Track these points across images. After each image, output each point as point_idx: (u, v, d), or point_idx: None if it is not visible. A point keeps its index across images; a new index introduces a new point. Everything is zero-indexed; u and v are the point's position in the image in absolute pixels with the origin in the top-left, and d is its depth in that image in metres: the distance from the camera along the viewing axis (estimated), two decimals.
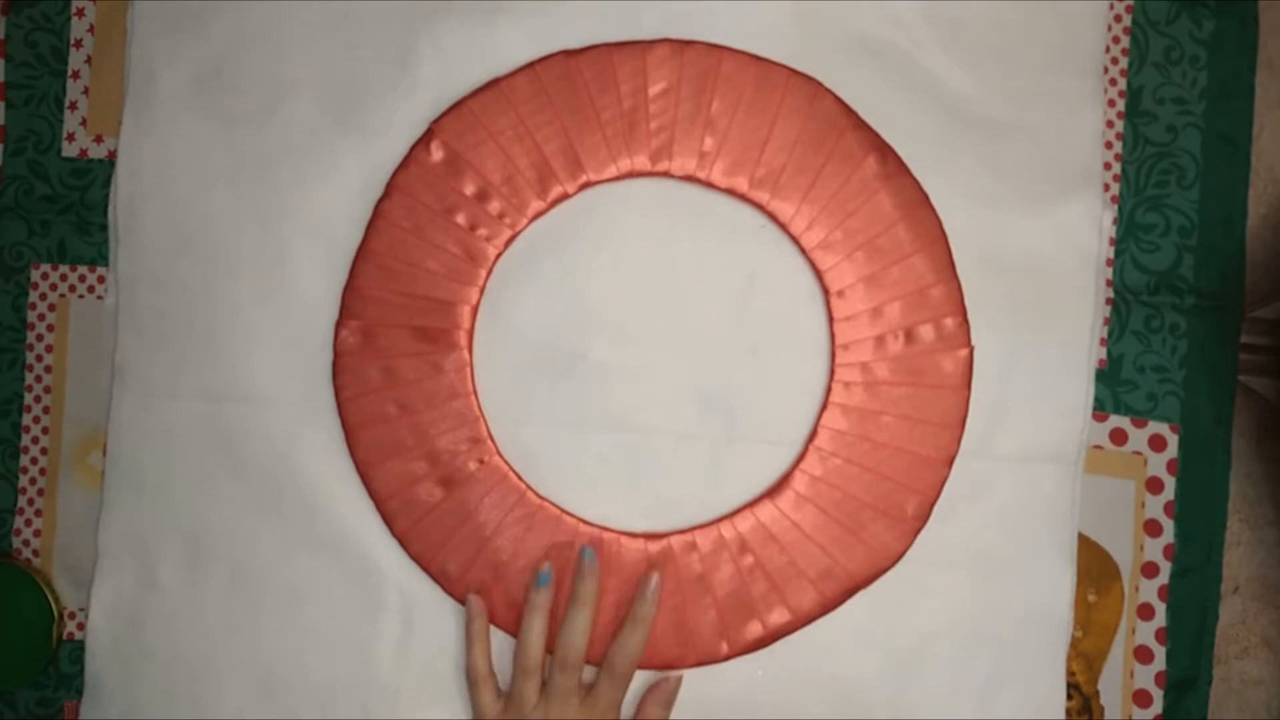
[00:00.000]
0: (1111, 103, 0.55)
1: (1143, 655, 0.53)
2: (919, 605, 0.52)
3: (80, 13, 0.56)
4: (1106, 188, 0.54)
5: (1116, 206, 0.55)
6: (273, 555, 0.52)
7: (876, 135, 0.53)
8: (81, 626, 0.55)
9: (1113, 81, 0.55)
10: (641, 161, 0.53)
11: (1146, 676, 0.53)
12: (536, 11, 0.53)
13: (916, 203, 0.52)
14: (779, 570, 0.52)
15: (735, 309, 0.53)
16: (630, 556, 0.52)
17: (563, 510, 0.52)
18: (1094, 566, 0.54)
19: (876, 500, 0.52)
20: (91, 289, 0.55)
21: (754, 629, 0.51)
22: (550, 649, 0.51)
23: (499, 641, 0.52)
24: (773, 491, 0.52)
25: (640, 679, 0.51)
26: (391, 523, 0.52)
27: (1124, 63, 0.55)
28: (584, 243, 0.53)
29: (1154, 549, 0.54)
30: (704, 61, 0.53)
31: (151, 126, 0.54)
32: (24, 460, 0.55)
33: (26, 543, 0.55)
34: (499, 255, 0.53)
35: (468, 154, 0.53)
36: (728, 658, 0.51)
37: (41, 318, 0.56)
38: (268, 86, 0.54)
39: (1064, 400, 0.53)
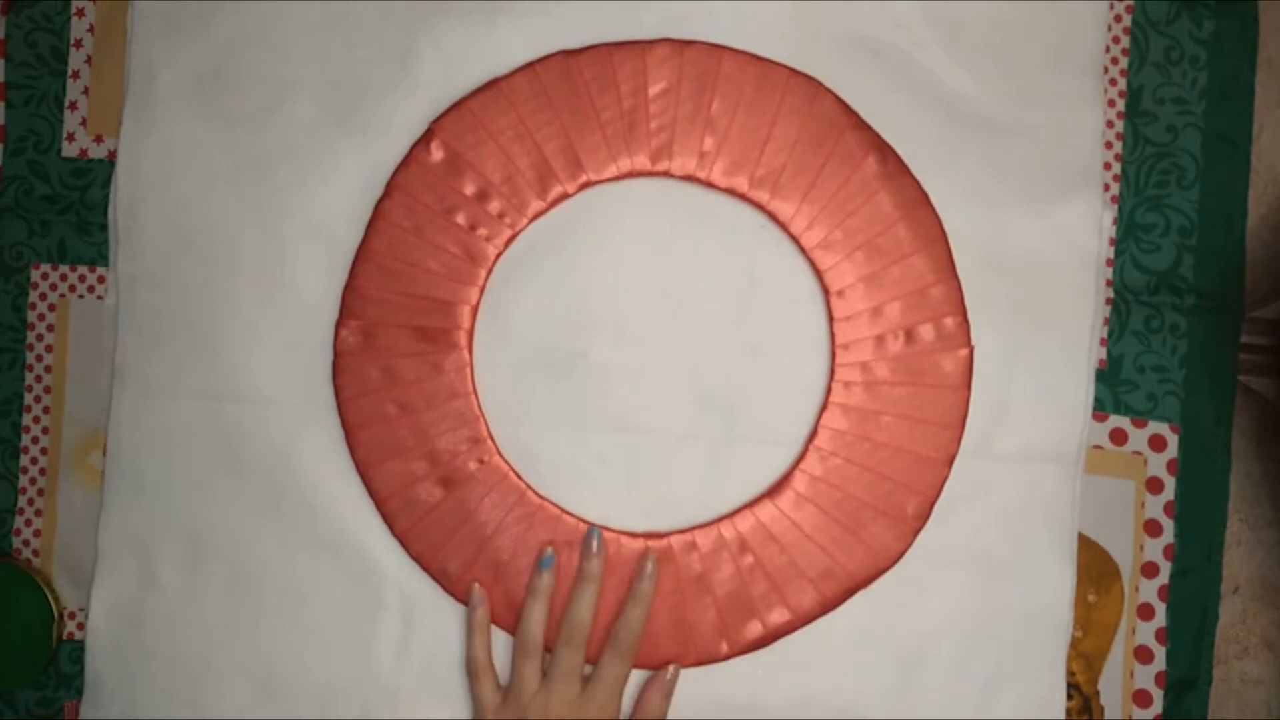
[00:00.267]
0: (1111, 103, 0.55)
1: (1143, 655, 0.53)
2: (919, 605, 0.52)
3: (80, 13, 0.56)
4: (1106, 188, 0.54)
5: (1116, 206, 0.55)
6: (273, 555, 0.52)
7: (876, 135, 0.53)
8: (81, 626, 0.55)
9: (1113, 81, 0.55)
10: (641, 161, 0.53)
11: (1146, 676, 0.53)
12: (536, 11, 0.53)
13: (916, 203, 0.52)
14: (779, 570, 0.52)
15: (735, 309, 0.53)
16: (630, 556, 0.52)
17: (563, 510, 0.52)
18: (1094, 566, 0.54)
19: (876, 500, 0.52)
20: (91, 289, 0.55)
21: (754, 629, 0.51)
22: (549, 641, 0.51)
23: (499, 641, 0.52)
24: (773, 491, 0.52)
25: (640, 679, 0.51)
26: (391, 523, 0.52)
27: (1124, 63, 0.55)
28: (584, 243, 0.53)
29: (1154, 549, 0.54)
30: (704, 61, 0.53)
31: (151, 126, 0.54)
32: (24, 460, 0.55)
33: (26, 543, 0.55)
34: (499, 255, 0.53)
35: (468, 154, 0.53)
36: (728, 657, 0.51)
37: (41, 318, 0.56)
38: (268, 86, 0.54)
39: (1064, 400, 0.53)
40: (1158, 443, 0.54)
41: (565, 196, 0.53)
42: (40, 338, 0.56)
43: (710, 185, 0.53)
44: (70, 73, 0.56)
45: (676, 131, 0.53)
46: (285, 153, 0.53)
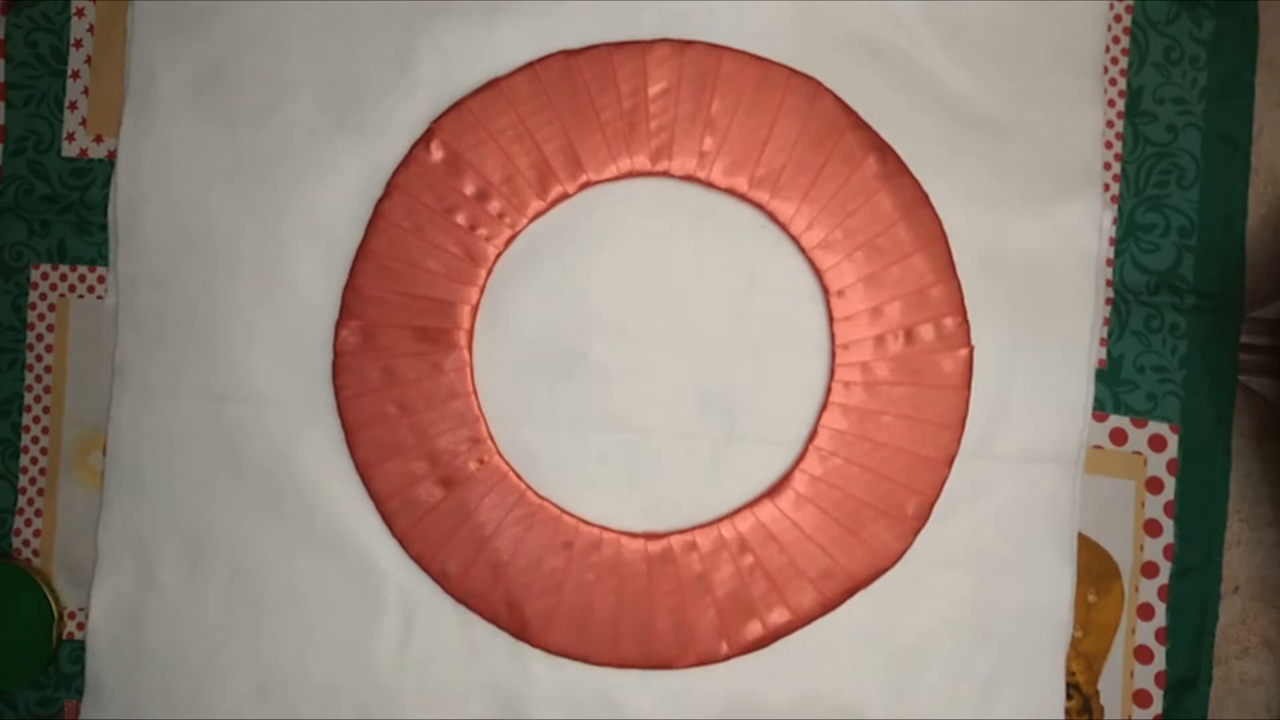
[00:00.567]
0: (1111, 103, 0.55)
1: (1143, 655, 0.53)
2: (919, 605, 0.52)
3: (80, 13, 0.56)
4: (1106, 188, 0.54)
5: (1116, 206, 0.55)
6: (273, 555, 0.52)
7: (876, 135, 0.53)
8: (81, 626, 0.55)
9: (1113, 81, 0.55)
10: (641, 161, 0.53)
11: (1146, 676, 0.53)
12: (536, 11, 0.53)
13: (916, 203, 0.52)
14: (779, 570, 0.52)
15: (735, 309, 0.53)
16: (630, 556, 0.52)
17: (563, 510, 0.52)
18: (1094, 566, 0.54)
19: (876, 500, 0.52)
20: (91, 289, 0.55)
21: (754, 629, 0.51)
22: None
23: (500, 640, 0.52)
24: (773, 491, 0.52)
25: (640, 679, 0.52)
26: (391, 523, 0.52)
27: (1124, 63, 0.55)
28: (584, 243, 0.53)
29: (1154, 549, 0.54)
30: (704, 61, 0.53)
31: (151, 126, 0.54)
32: (24, 460, 0.55)
33: (26, 543, 0.55)
34: (499, 255, 0.53)
35: (468, 154, 0.53)
36: (728, 657, 0.51)
37: (41, 318, 0.56)
38: (268, 86, 0.54)
39: (1064, 400, 0.53)
40: (1158, 443, 0.54)
41: (565, 196, 0.53)
42: (40, 338, 0.56)
43: (710, 185, 0.53)
44: (70, 73, 0.56)
45: (676, 131, 0.53)
46: (285, 153, 0.53)
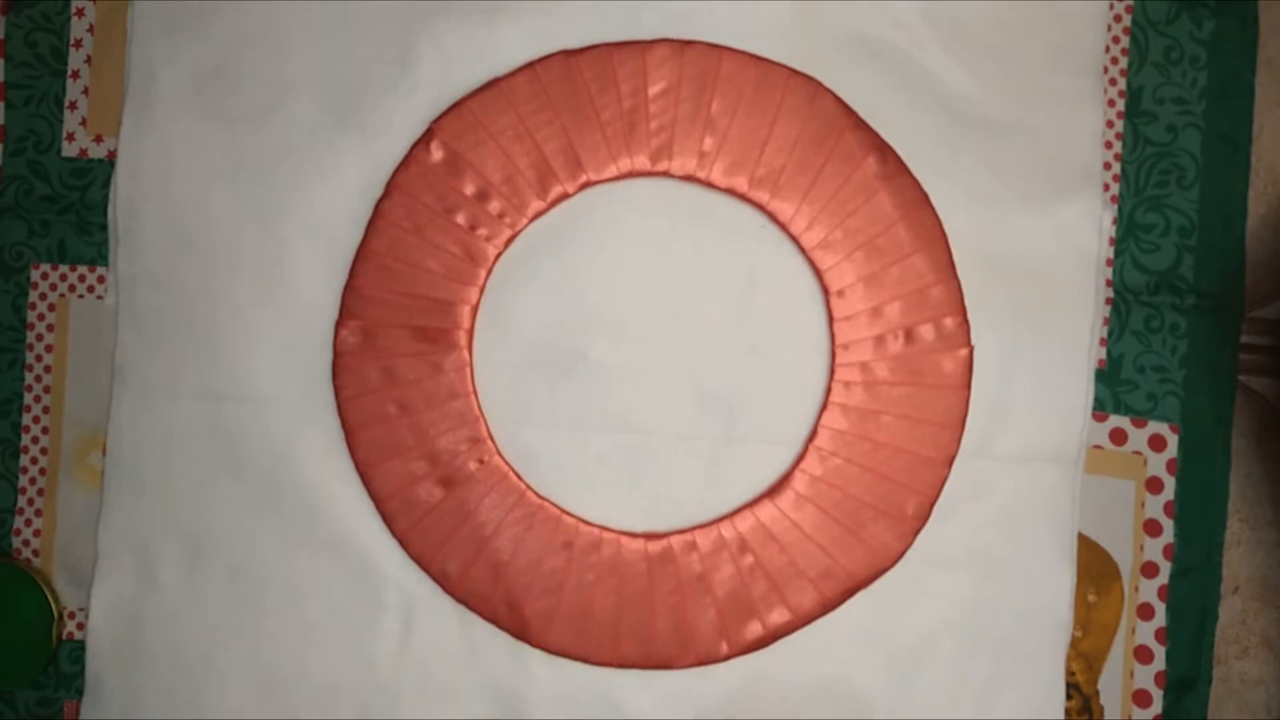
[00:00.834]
0: (1111, 103, 0.55)
1: (1142, 655, 0.53)
2: (919, 605, 0.52)
3: (80, 13, 0.56)
4: (1106, 188, 0.54)
5: (1116, 206, 0.55)
6: (273, 555, 0.52)
7: (876, 135, 0.53)
8: (81, 626, 0.55)
9: (1113, 81, 0.55)
10: (641, 161, 0.53)
11: (1146, 676, 0.53)
12: (536, 11, 0.53)
13: (916, 203, 0.52)
14: (779, 570, 0.52)
15: (735, 309, 0.53)
16: (630, 556, 0.52)
17: (563, 510, 0.52)
18: (1094, 566, 0.54)
19: (876, 500, 0.52)
20: (91, 289, 0.55)
21: (754, 629, 0.51)
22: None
23: (500, 640, 0.52)
24: (773, 491, 0.52)
25: (640, 679, 0.52)
26: (391, 523, 0.52)
27: (1124, 63, 0.55)
28: (584, 243, 0.53)
29: (1154, 549, 0.54)
30: (704, 61, 0.53)
31: (151, 126, 0.54)
32: (24, 460, 0.55)
33: (26, 543, 0.55)
34: (499, 255, 0.53)
35: (468, 154, 0.53)
36: (728, 658, 0.51)
37: (41, 318, 0.56)
38: (268, 86, 0.54)
39: (1064, 400, 0.53)
40: (1158, 443, 0.54)
41: (565, 196, 0.53)
42: (40, 338, 0.56)
43: (710, 185, 0.53)
44: (70, 73, 0.56)
45: (676, 131, 0.53)
46: (285, 153, 0.53)
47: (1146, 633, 0.53)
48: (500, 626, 0.52)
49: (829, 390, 0.52)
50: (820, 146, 0.53)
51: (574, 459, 0.52)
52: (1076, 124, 0.54)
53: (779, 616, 0.51)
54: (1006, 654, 0.52)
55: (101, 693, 0.53)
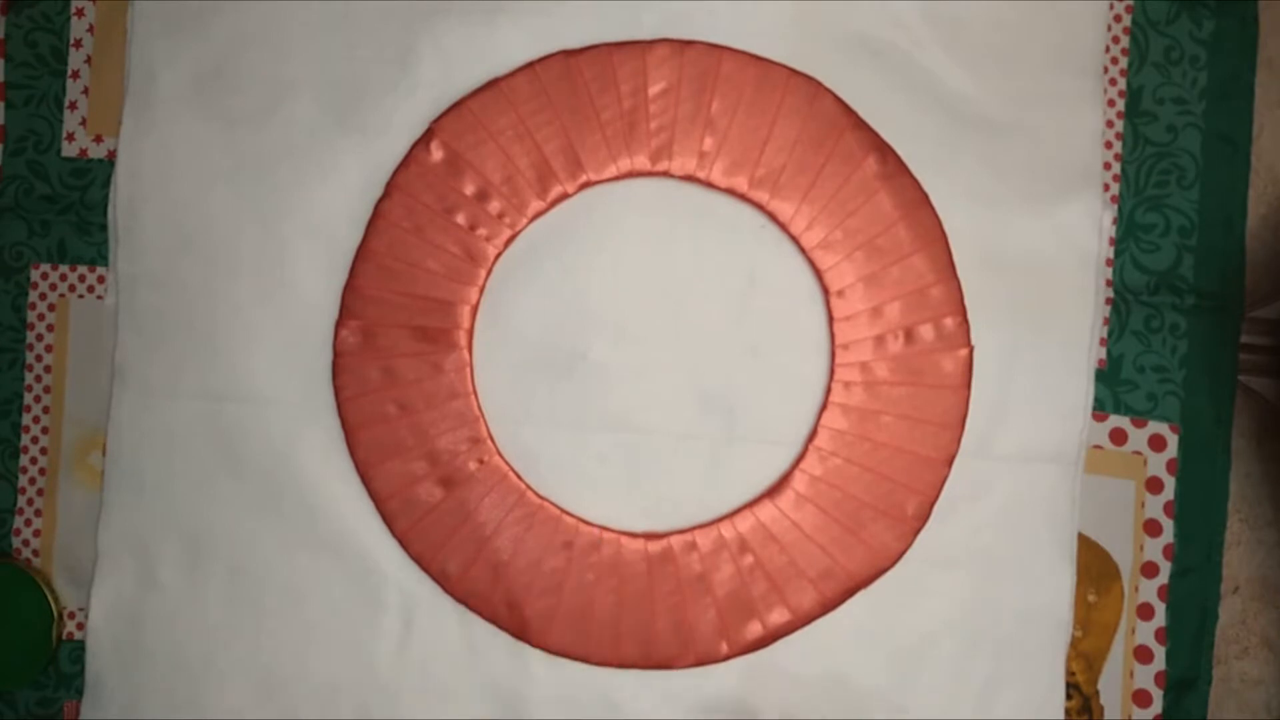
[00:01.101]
0: (1111, 103, 0.55)
1: (1142, 655, 0.53)
2: (919, 605, 0.52)
3: (80, 13, 0.56)
4: (1106, 188, 0.54)
5: (1116, 206, 0.55)
6: (273, 555, 0.52)
7: (876, 135, 0.53)
8: (81, 626, 0.55)
9: (1113, 81, 0.55)
10: (641, 161, 0.53)
11: (1146, 676, 0.53)
12: (536, 11, 0.53)
13: (916, 203, 0.52)
14: (779, 570, 0.52)
15: (735, 309, 0.53)
16: (630, 556, 0.52)
17: (563, 510, 0.52)
18: (1094, 566, 0.54)
19: (876, 500, 0.52)
20: (91, 289, 0.55)
21: (754, 629, 0.51)
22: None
23: (500, 640, 0.52)
24: (773, 491, 0.52)
25: (640, 679, 0.52)
26: (391, 523, 0.52)
27: (1124, 63, 0.55)
28: (584, 243, 0.53)
29: (1154, 549, 0.54)
30: (704, 61, 0.53)
31: (151, 126, 0.54)
32: (24, 460, 0.55)
33: (26, 543, 0.55)
34: (499, 255, 0.53)
35: (468, 154, 0.53)
36: (728, 658, 0.51)
37: (41, 318, 0.56)
38: (268, 86, 0.54)
39: (1064, 400, 0.53)
40: (1158, 443, 0.54)
41: (565, 196, 0.53)
42: (40, 338, 0.56)
43: (710, 185, 0.53)
44: (70, 73, 0.56)
45: (676, 131, 0.53)
46: (285, 153, 0.53)
47: (1146, 633, 0.53)
48: (500, 626, 0.52)
49: (829, 390, 0.52)
50: (820, 146, 0.53)
51: (574, 459, 0.52)
52: (1076, 124, 0.54)
53: (779, 616, 0.51)
54: (1006, 654, 0.52)
55: (101, 693, 0.53)
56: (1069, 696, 0.53)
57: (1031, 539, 0.52)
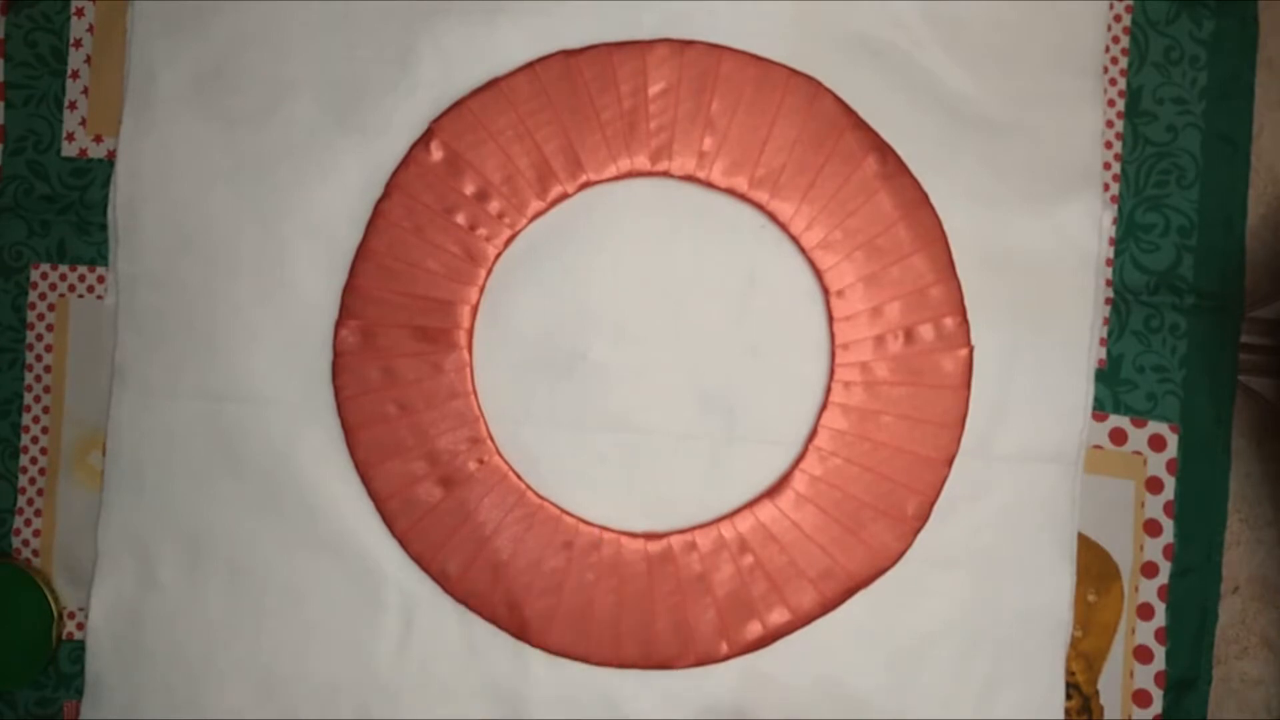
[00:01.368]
0: (1111, 103, 0.55)
1: (1142, 655, 0.53)
2: (919, 605, 0.52)
3: (80, 12, 0.56)
4: (1106, 188, 0.54)
5: (1116, 206, 0.55)
6: (273, 555, 0.52)
7: (876, 135, 0.53)
8: (81, 626, 0.55)
9: (1113, 81, 0.55)
10: (641, 161, 0.53)
11: (1146, 676, 0.53)
12: (536, 11, 0.53)
13: (916, 203, 0.52)
14: (779, 570, 0.52)
15: (735, 309, 0.53)
16: (630, 556, 0.52)
17: (563, 510, 0.52)
18: (1094, 566, 0.54)
19: (876, 500, 0.52)
20: (91, 289, 0.55)
21: (754, 629, 0.51)
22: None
23: (500, 640, 0.52)
24: (773, 491, 0.52)
25: (640, 679, 0.52)
26: (391, 523, 0.52)
27: (1124, 63, 0.55)
28: (584, 243, 0.53)
29: (1154, 549, 0.54)
30: (704, 61, 0.53)
31: (151, 126, 0.54)
32: (24, 460, 0.55)
33: (26, 543, 0.55)
34: (499, 255, 0.53)
35: (467, 154, 0.53)
36: (727, 657, 0.51)
37: (41, 317, 0.56)
38: (268, 86, 0.54)
39: (1064, 400, 0.53)
40: (1157, 443, 0.54)
41: (565, 196, 0.53)
42: (40, 338, 0.56)
43: (710, 185, 0.53)
44: (70, 73, 0.56)
45: (676, 131, 0.53)
46: (285, 153, 0.53)
47: (1146, 633, 0.53)
48: (500, 626, 0.52)
49: (829, 390, 0.52)
50: (820, 146, 0.53)
51: (574, 459, 0.52)
52: (1076, 124, 0.54)
53: (779, 616, 0.51)
54: (1006, 654, 0.52)
55: (101, 692, 0.53)
56: (1069, 696, 0.53)
57: (1031, 539, 0.52)
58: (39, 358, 0.55)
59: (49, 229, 0.55)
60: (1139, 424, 0.54)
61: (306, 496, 0.52)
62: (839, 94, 0.53)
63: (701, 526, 0.52)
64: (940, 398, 0.52)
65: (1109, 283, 0.54)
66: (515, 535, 0.52)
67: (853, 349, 0.52)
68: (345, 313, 0.52)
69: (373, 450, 0.52)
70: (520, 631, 0.52)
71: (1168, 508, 0.54)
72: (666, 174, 0.53)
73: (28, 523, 0.55)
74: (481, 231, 0.53)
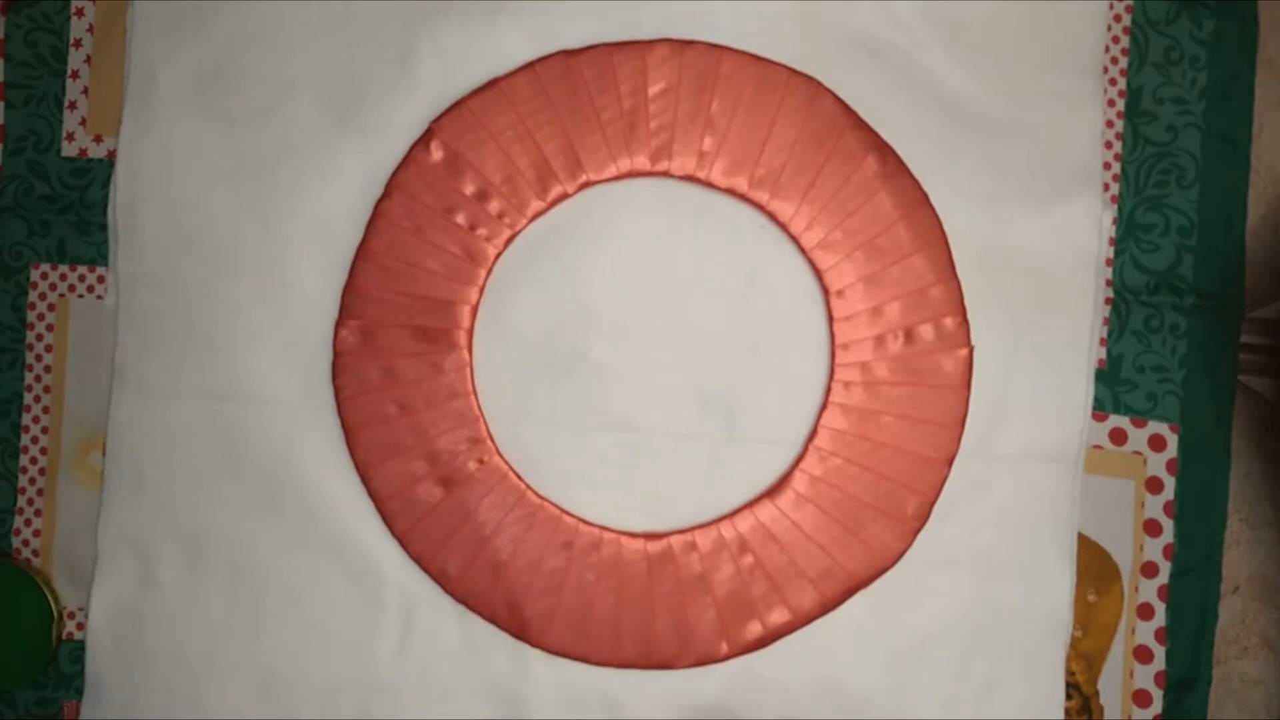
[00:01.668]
0: (1111, 103, 0.55)
1: (1142, 655, 0.53)
2: (919, 605, 0.52)
3: (80, 12, 0.56)
4: (1106, 188, 0.54)
5: (1116, 206, 0.55)
6: (273, 555, 0.52)
7: (876, 135, 0.53)
8: (81, 626, 0.55)
9: (1113, 81, 0.55)
10: (641, 161, 0.53)
11: (1146, 676, 0.53)
12: (536, 11, 0.53)
13: (916, 203, 0.52)
14: (779, 570, 0.52)
15: (735, 309, 0.53)
16: (630, 556, 0.52)
17: (563, 510, 0.52)
18: (1094, 566, 0.54)
19: (876, 500, 0.52)
20: (91, 289, 0.55)
21: (754, 629, 0.51)
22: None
23: (500, 640, 0.52)
24: (773, 491, 0.52)
25: (640, 679, 0.52)
26: (391, 523, 0.52)
27: (1124, 63, 0.55)
28: (584, 243, 0.53)
29: (1154, 549, 0.54)
30: (704, 61, 0.53)
31: (151, 126, 0.54)
32: (24, 460, 0.55)
33: (26, 542, 0.55)
34: (499, 255, 0.53)
35: (467, 154, 0.53)
36: (727, 657, 0.51)
37: (41, 317, 0.56)
38: (268, 86, 0.54)
39: (1064, 400, 0.53)
40: (1157, 443, 0.54)
41: (565, 196, 0.53)
42: (40, 338, 0.56)
43: (710, 185, 0.53)
44: (70, 73, 0.56)
45: (676, 131, 0.53)
46: (285, 153, 0.53)
47: (1146, 633, 0.53)
48: (500, 626, 0.52)
49: (829, 390, 0.52)
50: (820, 146, 0.53)
51: (574, 459, 0.52)
52: (1076, 124, 0.54)
53: (779, 616, 0.51)
54: (1006, 654, 0.52)
55: (101, 692, 0.53)
56: (1069, 696, 0.53)
57: (1031, 539, 0.52)
58: (39, 358, 0.55)
59: (49, 229, 0.55)
60: (1139, 424, 0.54)
61: (306, 496, 0.52)
62: (839, 94, 0.53)
63: (701, 526, 0.52)
64: (940, 398, 0.52)
65: (1109, 283, 0.54)
66: (515, 535, 0.52)
67: (853, 349, 0.52)
68: (345, 313, 0.52)
69: (373, 450, 0.52)
70: (520, 631, 0.52)
71: (1168, 508, 0.54)
72: (666, 174, 0.53)
73: (28, 523, 0.55)
74: (481, 231, 0.53)
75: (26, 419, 0.55)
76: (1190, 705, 0.53)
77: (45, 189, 0.56)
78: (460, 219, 0.53)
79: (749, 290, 0.53)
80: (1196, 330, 0.54)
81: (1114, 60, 0.55)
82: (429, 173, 0.53)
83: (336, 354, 0.52)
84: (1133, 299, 0.55)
